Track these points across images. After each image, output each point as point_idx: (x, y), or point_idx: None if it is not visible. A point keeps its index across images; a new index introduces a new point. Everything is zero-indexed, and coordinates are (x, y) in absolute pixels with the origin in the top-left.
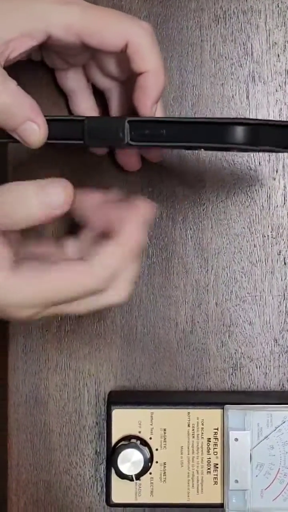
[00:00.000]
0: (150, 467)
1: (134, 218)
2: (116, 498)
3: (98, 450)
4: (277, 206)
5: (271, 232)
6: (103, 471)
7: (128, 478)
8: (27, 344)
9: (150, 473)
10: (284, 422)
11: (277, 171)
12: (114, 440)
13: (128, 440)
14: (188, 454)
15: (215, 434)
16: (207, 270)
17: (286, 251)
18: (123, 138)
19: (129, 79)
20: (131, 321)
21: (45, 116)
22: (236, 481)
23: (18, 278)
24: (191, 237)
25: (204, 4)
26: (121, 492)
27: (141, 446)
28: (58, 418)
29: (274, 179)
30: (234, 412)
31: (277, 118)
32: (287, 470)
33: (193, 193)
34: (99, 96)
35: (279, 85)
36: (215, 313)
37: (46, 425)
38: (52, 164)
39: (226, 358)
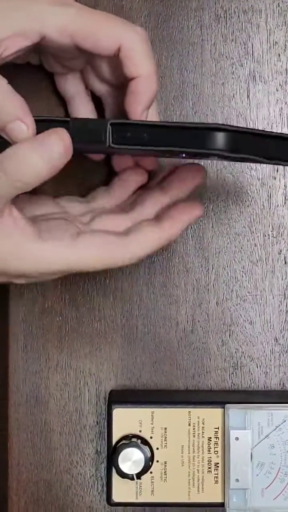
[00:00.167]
0: (151, 466)
1: (186, 217)
2: (116, 497)
3: (99, 449)
4: (278, 205)
5: (271, 231)
6: (104, 470)
7: (129, 477)
8: (28, 343)
9: (151, 472)
10: (284, 421)
11: (277, 171)
12: (114, 439)
13: (129, 439)
14: (189, 453)
15: (215, 433)
16: (208, 269)
17: (287, 250)
18: (105, 140)
19: (124, 85)
20: (131, 320)
21: (33, 116)
22: (237, 480)
23: (49, 248)
24: (191, 236)
25: (204, 3)
26: (122, 491)
27: (141, 445)
28: (59, 417)
29: (275, 178)
30: (234, 411)
31: (278, 118)
32: (287, 469)
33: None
34: (99, 102)
35: (280, 85)
36: (216, 312)
37: (47, 424)
38: None
39: (226, 357)
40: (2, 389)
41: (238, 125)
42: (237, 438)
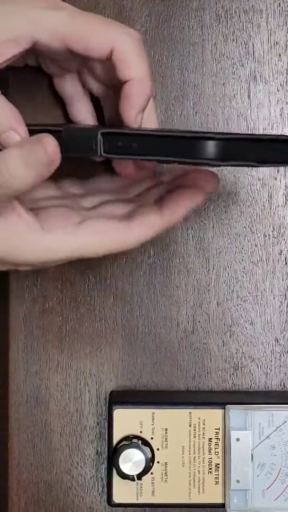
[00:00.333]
0: (152, 467)
1: (189, 203)
2: (117, 498)
3: (99, 450)
4: (279, 205)
5: (272, 231)
6: (104, 471)
7: (130, 478)
8: (28, 343)
9: (152, 473)
10: (285, 422)
11: (278, 171)
12: (115, 440)
13: (130, 440)
14: (190, 454)
15: (216, 434)
16: (208, 269)
17: (287, 251)
18: (96, 149)
19: (119, 87)
20: (132, 321)
21: (26, 125)
22: (238, 481)
23: (53, 238)
24: (192, 237)
25: (205, 3)
26: (122, 492)
27: (142, 446)
28: (59, 418)
29: (275, 178)
30: (235, 412)
31: (278, 118)
32: None
33: None
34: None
35: (280, 85)
36: (216, 312)
37: (47, 425)
38: None
39: (227, 358)
40: (3, 389)
41: (228, 131)
42: (237, 439)
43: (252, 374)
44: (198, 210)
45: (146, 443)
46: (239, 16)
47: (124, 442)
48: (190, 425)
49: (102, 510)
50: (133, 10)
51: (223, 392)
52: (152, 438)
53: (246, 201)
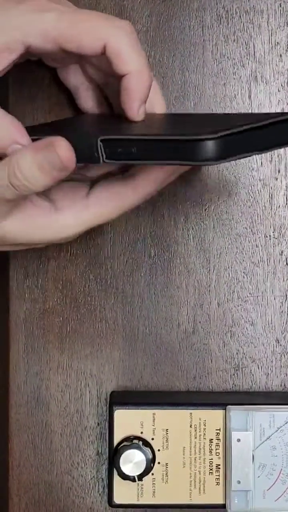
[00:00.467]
0: (152, 467)
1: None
2: (118, 499)
3: (100, 451)
4: (279, 206)
5: (273, 232)
6: (105, 472)
7: (130, 479)
8: (29, 344)
9: (152, 474)
10: (286, 422)
11: (279, 171)
12: (116, 440)
13: (130, 441)
14: (190, 454)
15: (217, 434)
16: (209, 270)
17: None
18: (98, 157)
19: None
20: (132, 322)
21: (30, 135)
22: (238, 482)
23: (65, 217)
24: (193, 237)
25: (206, 3)
26: (123, 493)
27: (143, 447)
28: (60, 418)
29: (276, 179)
30: (236, 413)
31: None
32: None
33: (195, 193)
34: None
35: (281, 85)
36: (217, 313)
37: (48, 425)
38: None
39: (228, 359)
40: (3, 390)
41: (226, 113)
42: (238, 440)
43: (253, 375)
44: (199, 210)
45: (146, 443)
46: (240, 17)
47: (124, 443)
48: (190, 426)
49: (103, 511)
50: (134, 11)
51: (224, 392)
52: (152, 439)
53: (247, 202)
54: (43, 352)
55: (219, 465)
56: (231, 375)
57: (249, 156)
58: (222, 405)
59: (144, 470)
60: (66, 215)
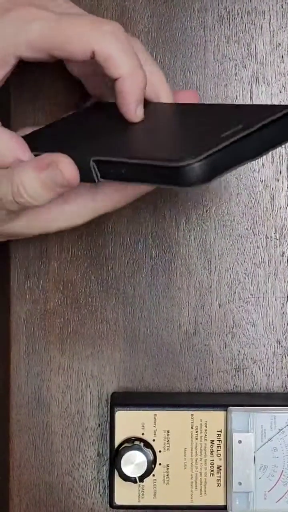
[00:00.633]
0: (153, 469)
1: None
2: (119, 500)
3: (101, 452)
4: (281, 207)
5: (274, 233)
6: (106, 473)
7: (131, 480)
8: (30, 345)
9: (153, 475)
10: (287, 424)
11: (280, 172)
12: (117, 442)
13: (131, 442)
14: (192, 456)
15: (218, 436)
16: (210, 271)
17: None
18: (93, 177)
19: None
20: (134, 323)
21: (32, 151)
22: (240, 483)
23: (72, 207)
24: (194, 238)
25: (208, 4)
26: (124, 494)
27: (144, 448)
28: (61, 419)
29: (278, 180)
30: (237, 414)
31: None
32: None
33: (196, 194)
34: None
35: (283, 86)
36: (218, 314)
37: (49, 426)
38: None
39: (229, 360)
40: (4, 391)
41: (213, 103)
42: (240, 441)
43: (254, 376)
44: (200, 211)
45: (148, 445)
46: (242, 18)
47: (126, 444)
48: (192, 427)
49: None
50: (135, 11)
51: (225, 394)
52: (154, 440)
53: (248, 203)
54: (44, 353)
55: (220, 466)
56: (232, 376)
57: (242, 166)
58: (223, 406)
59: (145, 472)
60: (73, 206)
